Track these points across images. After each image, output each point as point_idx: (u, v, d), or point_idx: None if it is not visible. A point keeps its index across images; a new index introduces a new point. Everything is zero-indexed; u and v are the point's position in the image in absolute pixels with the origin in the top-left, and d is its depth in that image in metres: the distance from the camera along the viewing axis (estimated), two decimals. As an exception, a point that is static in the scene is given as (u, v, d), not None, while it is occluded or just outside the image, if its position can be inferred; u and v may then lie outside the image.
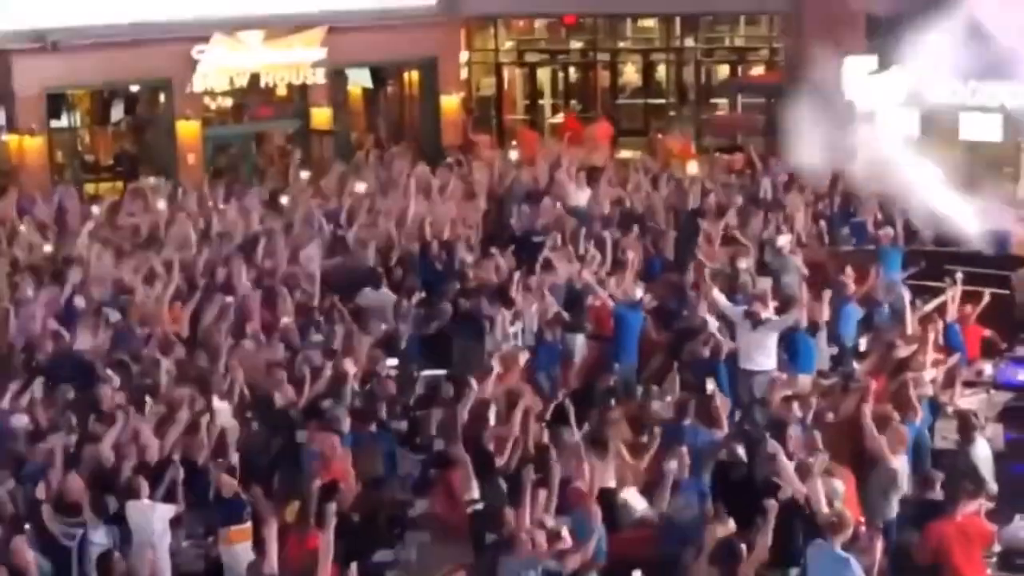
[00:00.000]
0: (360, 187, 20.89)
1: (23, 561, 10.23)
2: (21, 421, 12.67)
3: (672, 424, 12.73)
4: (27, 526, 10.70)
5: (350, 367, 13.58)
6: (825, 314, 15.17)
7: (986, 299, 15.96)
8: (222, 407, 12.48)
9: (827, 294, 15.59)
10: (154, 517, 10.77)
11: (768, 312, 14.50)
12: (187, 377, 13.65)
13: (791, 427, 12.69)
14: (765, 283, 16.23)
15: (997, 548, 11.61)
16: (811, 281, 16.28)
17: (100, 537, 10.71)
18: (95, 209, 19.98)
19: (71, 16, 23.73)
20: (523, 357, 14.28)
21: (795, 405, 12.95)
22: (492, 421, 12.58)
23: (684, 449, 11.75)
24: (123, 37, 24.44)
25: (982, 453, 12.18)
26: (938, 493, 11.36)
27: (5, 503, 11.06)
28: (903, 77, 19.82)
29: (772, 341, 14.22)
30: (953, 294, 15.76)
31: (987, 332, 15.86)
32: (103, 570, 10.39)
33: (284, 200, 20.86)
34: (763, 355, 14.16)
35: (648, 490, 11.86)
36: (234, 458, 11.75)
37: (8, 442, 12.31)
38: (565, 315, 15.41)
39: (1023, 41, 16.21)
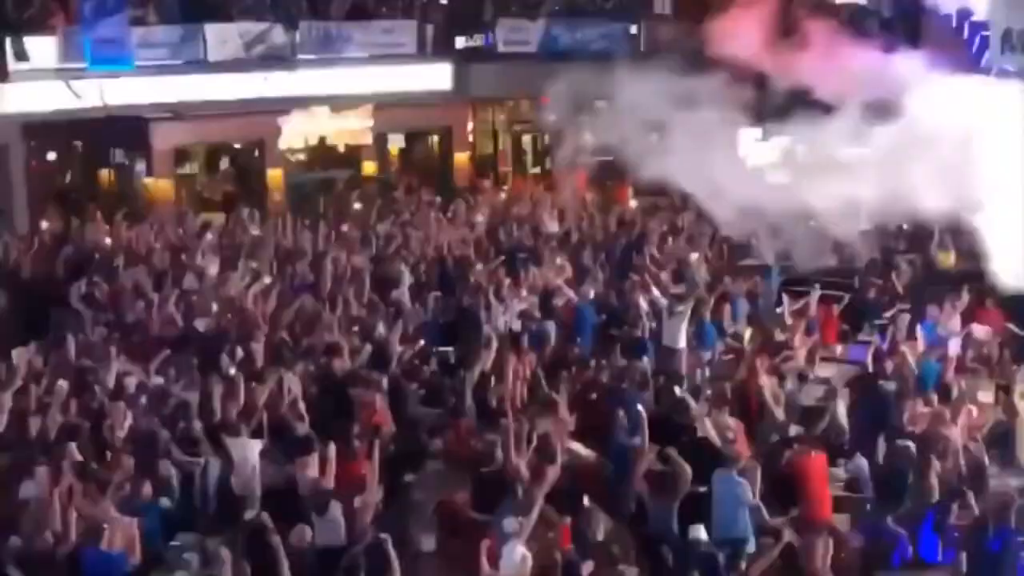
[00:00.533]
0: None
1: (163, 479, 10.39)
2: (159, 380, 12.77)
3: (615, 386, 12.79)
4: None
5: (393, 344, 13.67)
6: (723, 309, 15.25)
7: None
8: (290, 376, 12.42)
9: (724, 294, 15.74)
10: (249, 450, 10.85)
11: (682, 307, 14.54)
12: (271, 351, 13.71)
13: (700, 386, 12.83)
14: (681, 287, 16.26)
15: (844, 475, 11.71)
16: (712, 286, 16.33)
17: (214, 465, 10.81)
18: (208, 233, 19.95)
19: (192, 93, 23.66)
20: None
21: (698, 372, 13.11)
22: (492, 383, 12.64)
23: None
24: (230, 110, 24.36)
25: (839, 410, 12.27)
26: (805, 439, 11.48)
27: (158, 435, 11.12)
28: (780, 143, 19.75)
29: (684, 327, 14.24)
30: (815, 296, 15.89)
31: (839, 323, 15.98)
32: (219, 487, 10.51)
33: (343, 227, 20.89)
34: (678, 337, 14.18)
35: (593, 434, 11.91)
36: (303, 408, 11.80)
37: (154, 395, 12.37)
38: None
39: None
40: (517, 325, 14.82)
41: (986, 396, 12.81)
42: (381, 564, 8.77)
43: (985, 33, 16.06)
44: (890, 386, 12.76)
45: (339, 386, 12.60)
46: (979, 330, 14.76)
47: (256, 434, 11.21)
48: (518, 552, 8.84)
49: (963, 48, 17.49)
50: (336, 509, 9.74)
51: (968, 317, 14.93)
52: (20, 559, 8.82)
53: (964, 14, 17.84)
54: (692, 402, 11.99)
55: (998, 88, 16.29)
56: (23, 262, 18.05)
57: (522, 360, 13.03)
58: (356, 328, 14.26)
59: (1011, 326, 14.95)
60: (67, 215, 23.01)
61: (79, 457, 10.42)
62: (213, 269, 17.34)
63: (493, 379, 12.69)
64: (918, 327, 14.50)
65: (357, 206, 23.86)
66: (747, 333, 14.92)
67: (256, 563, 8.59)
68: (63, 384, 12.23)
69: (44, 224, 22.25)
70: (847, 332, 15.98)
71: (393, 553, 8.90)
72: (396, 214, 21.80)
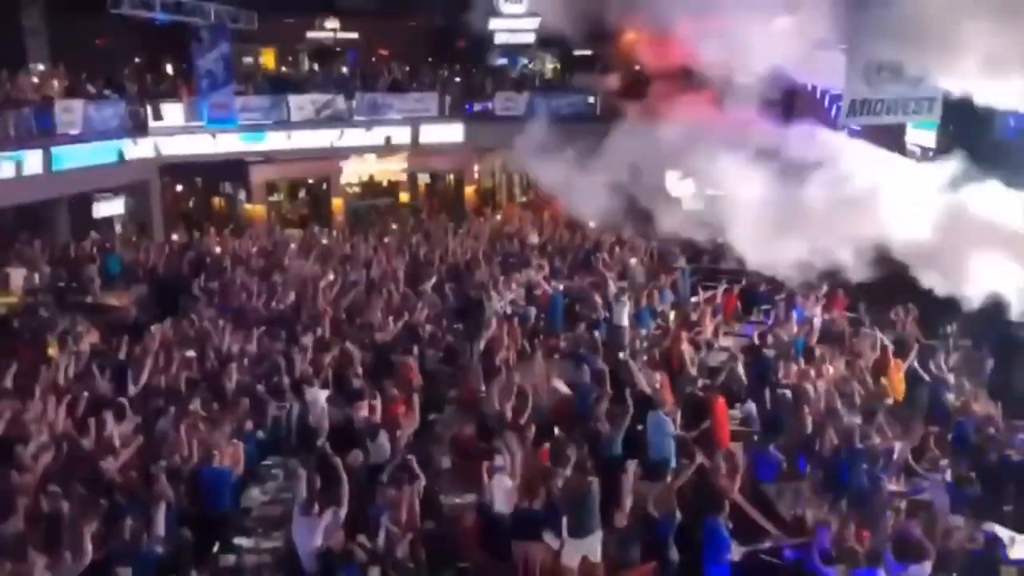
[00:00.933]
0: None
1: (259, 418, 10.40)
2: (256, 348, 12.75)
3: (574, 350, 12.79)
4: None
5: (422, 323, 13.66)
6: (654, 297, 15.23)
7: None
8: (349, 345, 12.40)
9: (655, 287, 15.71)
10: (320, 397, 10.84)
11: (624, 296, 14.50)
12: (334, 328, 13.68)
13: (638, 352, 12.81)
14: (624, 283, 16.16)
15: (739, 415, 11.71)
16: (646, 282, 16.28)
17: (295, 408, 10.78)
18: (290, 243, 19.94)
19: (279, 144, 23.65)
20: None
21: (637, 342, 13.10)
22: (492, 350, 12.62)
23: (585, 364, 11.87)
24: (305, 156, 24.41)
25: (739, 369, 12.26)
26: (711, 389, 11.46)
27: (256, 387, 11.11)
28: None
29: (626, 311, 14.22)
30: (720, 289, 15.91)
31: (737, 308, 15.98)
32: (299, 423, 10.48)
33: (386, 239, 20.87)
34: (622, 317, 14.18)
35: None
36: (359, 369, 11.78)
37: (253, 359, 12.35)
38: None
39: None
40: (508, 309, 14.71)
41: (839, 361, 12.77)
42: (411, 476, 8.79)
43: (839, 103, 15.99)
44: (771, 352, 12.76)
45: (383, 352, 12.55)
46: (832, 313, 14.76)
47: (324, 386, 11.21)
48: (506, 482, 8.78)
49: (824, 112, 17.49)
50: (383, 437, 9.73)
51: (826, 304, 14.91)
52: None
53: (825, 90, 17.83)
54: (632, 363, 11.98)
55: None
56: (158, 263, 18.02)
57: (512, 334, 13.01)
58: (394, 312, 14.19)
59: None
60: (190, 230, 22.97)
61: (198, 402, 10.45)
62: (294, 269, 17.32)
63: (492, 347, 12.62)
64: (792, 311, 14.48)
65: (395, 225, 23.81)
66: (671, 315, 14.87)
67: (324, 477, 8.60)
68: (188, 352, 12.29)
69: (174, 236, 22.22)
70: (741, 314, 15.97)
71: (418, 469, 8.92)
72: (423, 231, 21.72)
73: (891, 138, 16.87)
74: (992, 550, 8.14)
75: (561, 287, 15.89)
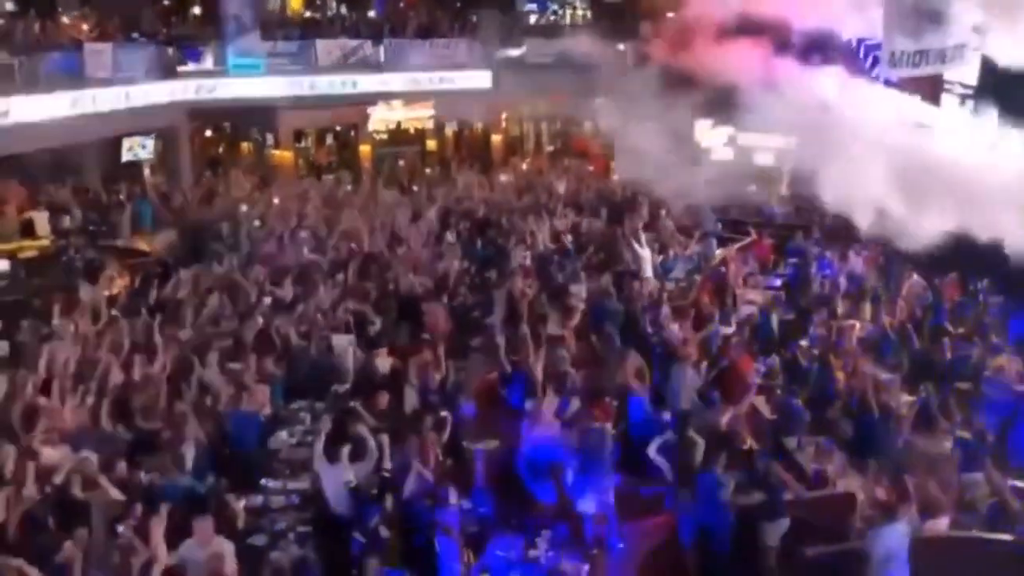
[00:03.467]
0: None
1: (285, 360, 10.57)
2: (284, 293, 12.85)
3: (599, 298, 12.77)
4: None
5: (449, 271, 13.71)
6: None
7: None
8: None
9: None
10: (347, 346, 10.95)
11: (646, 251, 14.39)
12: (365, 272, 13.73)
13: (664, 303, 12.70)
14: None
15: (763, 368, 11.56)
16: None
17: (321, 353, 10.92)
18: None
19: (307, 89, 23.57)
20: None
21: (664, 295, 13.04)
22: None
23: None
24: (333, 102, 24.28)
25: (773, 322, 12.14)
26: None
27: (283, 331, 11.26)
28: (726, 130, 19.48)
29: (650, 258, 14.11)
30: (749, 239, 15.77)
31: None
32: (325, 371, 10.64)
33: (413, 187, 20.90)
34: (650, 270, 14.13)
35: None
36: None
37: (280, 305, 12.44)
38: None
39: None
40: (528, 260, 14.54)
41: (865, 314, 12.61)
42: (437, 423, 8.86)
43: (877, 53, 15.63)
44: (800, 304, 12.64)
45: (408, 300, 12.58)
46: (857, 266, 14.59)
47: (347, 330, 11.26)
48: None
49: (860, 64, 17.12)
50: (410, 384, 9.81)
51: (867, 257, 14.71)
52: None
53: (862, 40, 17.41)
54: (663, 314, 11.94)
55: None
56: (188, 209, 18.17)
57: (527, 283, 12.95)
58: (418, 261, 14.20)
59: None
60: (218, 175, 23.11)
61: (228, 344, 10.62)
62: (321, 216, 17.39)
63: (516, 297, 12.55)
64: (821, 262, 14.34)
65: (427, 170, 23.89)
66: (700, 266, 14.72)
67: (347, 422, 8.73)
68: (217, 295, 12.42)
69: (202, 181, 22.37)
70: (772, 266, 15.83)
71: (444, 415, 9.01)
72: (450, 179, 21.74)
73: (928, 85, 16.51)
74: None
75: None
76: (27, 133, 17.79)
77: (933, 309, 12.46)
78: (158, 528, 6.78)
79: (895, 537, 7.06)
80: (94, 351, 10.06)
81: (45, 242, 16.50)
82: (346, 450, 8.07)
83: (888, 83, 16.59)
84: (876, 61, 16.62)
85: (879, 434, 9.42)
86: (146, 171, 22.94)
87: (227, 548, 6.95)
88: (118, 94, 20.17)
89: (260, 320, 11.34)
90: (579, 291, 12.90)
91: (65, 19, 21.75)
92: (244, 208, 18.19)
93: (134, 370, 9.64)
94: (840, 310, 12.56)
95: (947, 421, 9.63)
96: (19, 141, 17.86)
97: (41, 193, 18.33)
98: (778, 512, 7.86)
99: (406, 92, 24.96)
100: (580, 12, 30.27)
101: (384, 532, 7.20)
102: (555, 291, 13.13)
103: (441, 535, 7.08)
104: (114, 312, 11.80)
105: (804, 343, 11.41)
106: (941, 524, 7.82)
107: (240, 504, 7.83)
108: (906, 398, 10.07)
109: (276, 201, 19.09)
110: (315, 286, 12.88)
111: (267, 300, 12.44)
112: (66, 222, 17.03)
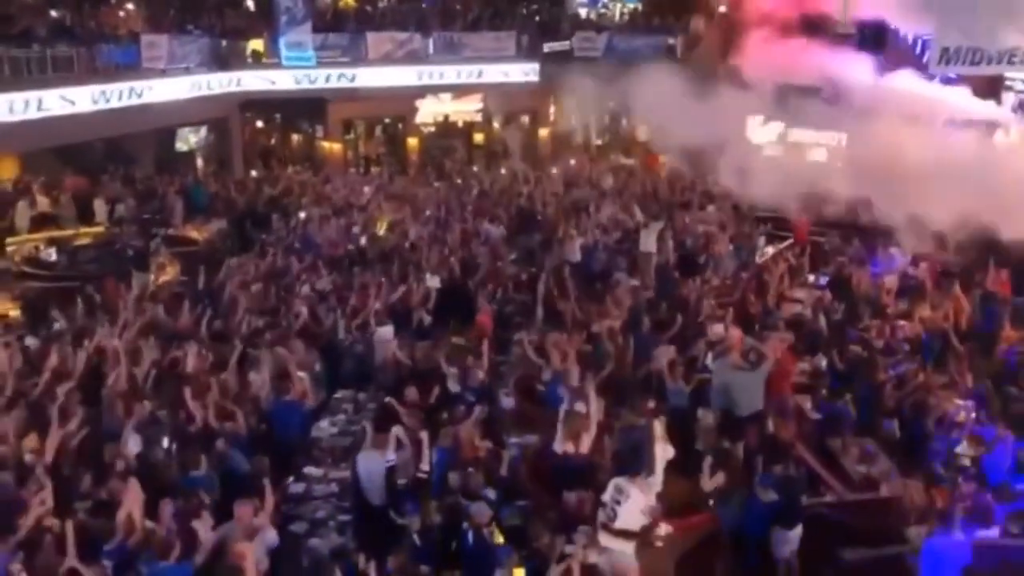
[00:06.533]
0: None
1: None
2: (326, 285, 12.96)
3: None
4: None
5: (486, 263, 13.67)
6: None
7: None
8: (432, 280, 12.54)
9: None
10: (386, 334, 10.99)
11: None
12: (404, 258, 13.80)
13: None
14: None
15: (808, 368, 11.31)
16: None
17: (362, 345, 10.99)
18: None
19: (357, 81, 23.75)
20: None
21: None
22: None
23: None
24: (382, 94, 24.37)
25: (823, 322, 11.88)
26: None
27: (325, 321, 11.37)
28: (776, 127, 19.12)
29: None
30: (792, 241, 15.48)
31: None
32: (367, 362, 10.64)
33: (458, 180, 20.94)
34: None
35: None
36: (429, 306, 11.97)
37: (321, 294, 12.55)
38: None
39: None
40: (578, 256, 14.45)
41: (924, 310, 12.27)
42: (466, 411, 8.84)
43: (928, 49, 15.32)
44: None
45: (452, 293, 12.56)
46: (913, 267, 14.20)
47: (389, 321, 11.25)
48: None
49: (914, 58, 16.76)
50: (452, 376, 9.83)
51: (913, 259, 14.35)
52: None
53: (916, 35, 17.06)
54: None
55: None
56: (237, 198, 18.38)
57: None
58: (463, 254, 14.17)
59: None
60: (269, 165, 23.38)
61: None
62: (371, 206, 17.52)
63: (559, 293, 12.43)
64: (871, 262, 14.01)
65: (474, 168, 23.92)
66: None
67: (390, 412, 8.75)
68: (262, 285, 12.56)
69: (253, 172, 22.65)
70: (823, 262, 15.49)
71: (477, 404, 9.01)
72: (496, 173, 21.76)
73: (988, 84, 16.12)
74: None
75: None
76: (84, 123, 18.18)
77: (983, 311, 12.10)
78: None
79: (946, 544, 6.88)
80: (138, 338, 10.21)
81: (100, 229, 16.83)
82: (389, 440, 8.07)
83: (946, 80, 16.27)
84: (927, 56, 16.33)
85: (929, 439, 9.20)
86: (199, 161, 23.31)
87: (268, 536, 6.95)
88: (172, 84, 20.50)
89: (304, 310, 11.43)
90: (625, 283, 12.73)
91: (121, 13, 22.14)
92: (293, 198, 18.36)
93: (187, 359, 9.73)
94: (891, 310, 12.28)
95: (1002, 427, 9.36)
96: (76, 131, 18.27)
97: (98, 182, 18.70)
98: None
99: (455, 85, 25.01)
100: (630, 5, 30.02)
101: (419, 526, 7.16)
102: (598, 285, 13.02)
103: (479, 530, 7.03)
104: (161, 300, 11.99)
105: (852, 347, 11.13)
106: (992, 533, 7.62)
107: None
108: (958, 402, 9.81)
109: (325, 192, 19.22)
110: (359, 276, 12.94)
111: (310, 289, 12.54)
112: (120, 210, 17.33)
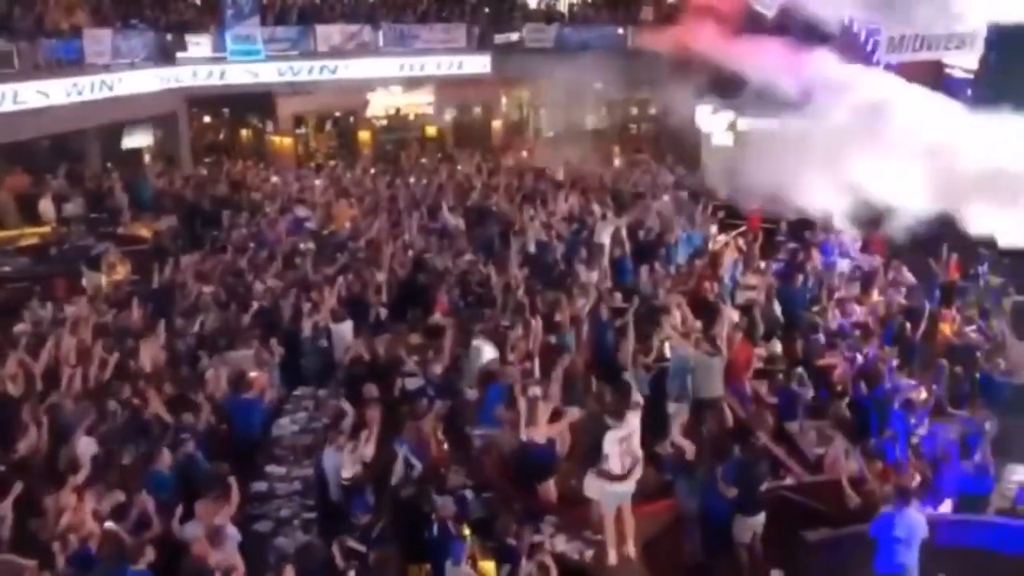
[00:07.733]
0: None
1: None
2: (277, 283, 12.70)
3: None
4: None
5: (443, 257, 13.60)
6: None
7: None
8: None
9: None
10: (344, 329, 10.83)
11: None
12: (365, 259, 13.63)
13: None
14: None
15: (764, 354, 11.46)
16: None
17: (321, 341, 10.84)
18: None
19: (306, 75, 23.42)
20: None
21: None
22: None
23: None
24: (333, 87, 24.09)
25: (777, 310, 12.03)
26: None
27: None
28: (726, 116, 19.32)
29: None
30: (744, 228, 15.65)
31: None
32: (326, 358, 10.55)
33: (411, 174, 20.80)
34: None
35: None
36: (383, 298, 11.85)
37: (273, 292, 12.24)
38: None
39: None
40: (532, 247, 14.29)
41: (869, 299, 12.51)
42: (428, 405, 8.79)
43: (877, 38, 15.55)
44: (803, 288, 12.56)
45: (405, 287, 12.47)
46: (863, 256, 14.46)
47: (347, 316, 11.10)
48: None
49: (861, 48, 17.02)
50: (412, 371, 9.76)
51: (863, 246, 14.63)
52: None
53: (862, 24, 17.31)
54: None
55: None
56: (186, 194, 18.06)
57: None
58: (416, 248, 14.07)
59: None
60: (217, 161, 22.99)
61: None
62: (321, 201, 17.30)
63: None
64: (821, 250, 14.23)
65: (423, 160, 23.72)
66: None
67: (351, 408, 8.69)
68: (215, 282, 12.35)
69: (202, 169, 22.25)
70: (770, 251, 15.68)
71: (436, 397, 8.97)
72: (448, 164, 21.60)
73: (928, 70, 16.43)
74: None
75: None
76: (28, 120, 17.69)
77: (928, 294, 12.38)
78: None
79: (907, 520, 7.01)
80: (93, 337, 9.98)
81: (46, 229, 16.41)
82: (344, 438, 8.01)
83: (888, 67, 16.56)
84: (876, 46, 16.60)
85: (882, 419, 9.38)
86: (146, 158, 22.83)
87: (229, 532, 6.86)
88: (117, 80, 20.03)
89: (258, 307, 11.26)
90: (589, 278, 12.69)
91: (63, 6, 21.53)
92: (242, 194, 18.08)
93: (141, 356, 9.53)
94: (842, 294, 12.49)
95: (953, 407, 9.60)
96: (20, 128, 17.77)
97: (43, 181, 18.20)
98: (756, 507, 7.72)
99: (406, 78, 24.79)
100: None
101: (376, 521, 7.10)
102: (555, 278, 12.99)
103: (444, 522, 6.99)
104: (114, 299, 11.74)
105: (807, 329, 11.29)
106: (947, 509, 7.81)
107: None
108: (907, 382, 10.02)
109: (275, 187, 18.97)
110: (314, 272, 12.75)
111: (264, 287, 12.30)
112: (67, 209, 16.91)
